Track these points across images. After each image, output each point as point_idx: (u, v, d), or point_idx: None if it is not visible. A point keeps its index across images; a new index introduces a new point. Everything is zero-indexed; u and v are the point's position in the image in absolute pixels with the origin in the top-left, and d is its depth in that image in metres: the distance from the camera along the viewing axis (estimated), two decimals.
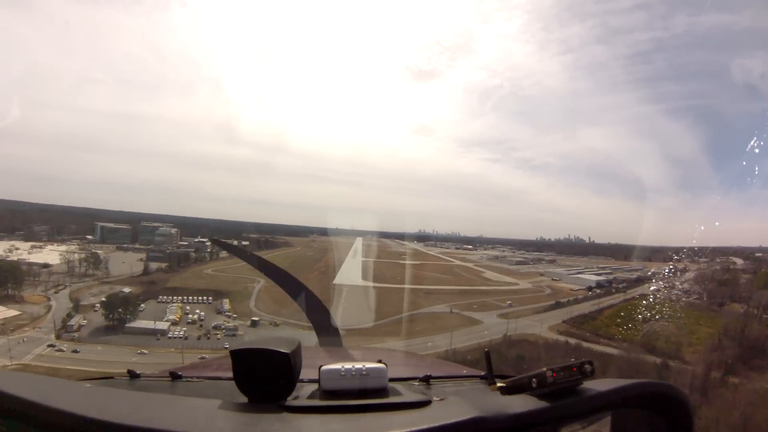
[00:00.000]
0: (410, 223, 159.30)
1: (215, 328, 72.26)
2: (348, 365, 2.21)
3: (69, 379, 2.64)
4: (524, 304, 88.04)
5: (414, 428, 1.67)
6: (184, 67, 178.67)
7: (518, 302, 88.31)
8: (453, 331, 69.41)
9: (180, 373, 2.75)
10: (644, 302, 72.54)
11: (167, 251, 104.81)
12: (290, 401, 2.02)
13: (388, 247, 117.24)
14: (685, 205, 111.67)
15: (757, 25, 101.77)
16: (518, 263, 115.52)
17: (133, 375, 2.68)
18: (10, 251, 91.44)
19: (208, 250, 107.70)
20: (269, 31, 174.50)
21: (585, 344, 68.79)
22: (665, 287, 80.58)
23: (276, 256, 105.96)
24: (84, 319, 72.16)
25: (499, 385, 2.35)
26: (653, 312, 69.82)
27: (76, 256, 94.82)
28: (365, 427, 1.81)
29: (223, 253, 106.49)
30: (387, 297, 71.86)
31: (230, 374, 2.02)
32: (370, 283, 74.15)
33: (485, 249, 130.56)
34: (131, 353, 60.70)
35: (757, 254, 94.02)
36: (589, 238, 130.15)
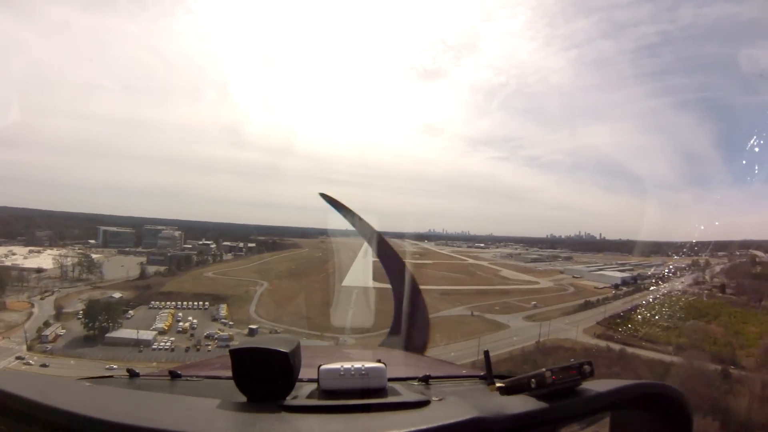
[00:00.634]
0: (419, 223, 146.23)
1: (207, 337, 62.34)
2: (347, 365, 2.11)
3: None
4: (550, 304, 79.20)
5: (413, 428, 1.62)
6: (189, 72, 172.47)
7: (543, 302, 79.78)
8: (477, 337, 58.11)
9: (179, 372, 2.65)
10: (677, 300, 65.98)
11: (168, 254, 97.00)
12: (289, 401, 1.95)
13: (399, 247, 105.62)
14: (696, 199, 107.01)
15: (764, 15, 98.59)
16: (533, 261, 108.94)
17: (132, 374, 2.59)
18: (6, 256, 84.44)
19: (212, 252, 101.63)
20: (274, 34, 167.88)
21: (629, 350, 59.56)
22: (695, 283, 78.86)
23: (284, 258, 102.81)
24: (63, 328, 63.11)
25: (498, 385, 2.22)
26: (691, 311, 67.32)
27: (69, 260, 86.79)
28: (364, 426, 1.77)
29: (228, 256, 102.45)
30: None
31: (229, 373, 1.95)
32: (383, 284, 65.05)
33: (497, 247, 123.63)
34: (103, 369, 49.45)
35: None
36: (600, 234, 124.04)
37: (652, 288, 78.58)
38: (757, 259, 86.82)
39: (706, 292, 77.83)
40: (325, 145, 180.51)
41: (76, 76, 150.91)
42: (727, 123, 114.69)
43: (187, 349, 59.77)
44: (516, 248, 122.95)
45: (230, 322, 67.63)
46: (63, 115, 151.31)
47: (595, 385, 1.96)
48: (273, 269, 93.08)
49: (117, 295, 74.87)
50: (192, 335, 63.27)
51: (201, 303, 73.69)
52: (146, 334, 61.14)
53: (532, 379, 1.94)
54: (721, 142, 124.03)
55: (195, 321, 67.14)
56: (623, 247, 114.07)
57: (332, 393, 2.03)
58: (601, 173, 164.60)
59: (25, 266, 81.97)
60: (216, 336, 61.88)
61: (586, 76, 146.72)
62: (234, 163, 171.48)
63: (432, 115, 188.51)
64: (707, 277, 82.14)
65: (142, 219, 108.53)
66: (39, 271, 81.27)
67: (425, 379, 2.52)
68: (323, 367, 2.13)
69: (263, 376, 1.91)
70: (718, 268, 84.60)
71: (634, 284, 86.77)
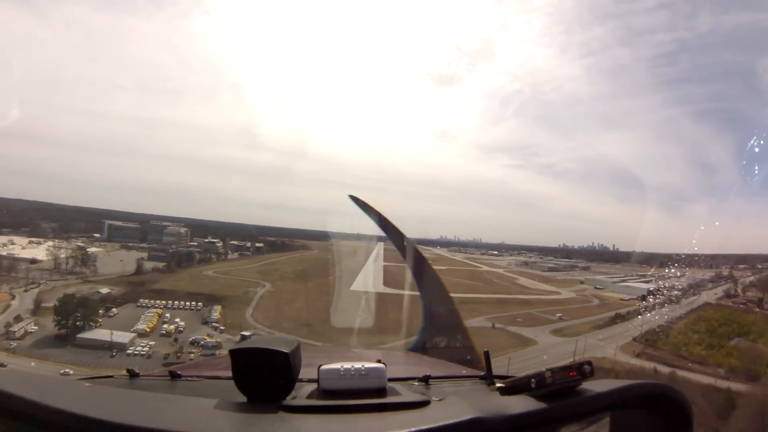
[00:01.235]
0: (432, 229, 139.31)
1: (192, 343, 53.35)
2: (347, 365, 2.08)
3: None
4: (575, 317, 70.56)
5: (413, 428, 1.59)
6: (206, 74, 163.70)
7: (568, 314, 71.09)
8: (504, 353, 48.80)
9: (179, 373, 2.59)
10: (713, 314, 65.04)
11: (170, 250, 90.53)
12: (289, 401, 1.91)
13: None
14: (713, 210, 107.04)
15: None
16: (550, 270, 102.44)
17: (132, 374, 2.52)
18: (4, 245, 78.49)
19: (218, 250, 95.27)
20: (290, 37, 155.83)
21: (680, 373, 49.70)
22: (726, 296, 73.52)
23: (291, 259, 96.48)
24: (36, 324, 54.78)
25: (498, 385, 2.19)
26: (732, 327, 61.61)
27: (63, 252, 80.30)
28: (364, 427, 1.75)
29: (232, 255, 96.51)
30: (415, 306, 53.66)
31: (229, 374, 1.91)
32: (394, 290, 61.20)
33: (510, 255, 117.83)
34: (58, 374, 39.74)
35: None
36: (614, 245, 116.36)
37: (683, 301, 72.23)
38: None
39: (741, 306, 70.75)
40: (340, 148, 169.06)
41: (94, 75, 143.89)
42: (744, 133, 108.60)
43: (166, 356, 50.92)
44: (530, 256, 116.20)
45: (221, 327, 58.80)
46: (80, 113, 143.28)
47: (595, 385, 1.90)
48: (278, 270, 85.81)
49: (105, 290, 66.93)
50: (176, 340, 54.36)
51: (194, 303, 65.14)
52: (123, 337, 52.40)
53: (532, 380, 1.89)
54: (738, 153, 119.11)
55: (182, 323, 58.48)
56: (638, 258, 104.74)
57: (332, 393, 1.98)
58: (616, 183, 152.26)
59: (20, 256, 75.96)
60: (202, 342, 52.93)
61: (602, 84, 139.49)
62: (248, 165, 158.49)
63: (446, 121, 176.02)
64: (739, 291, 75.59)
65: (155, 216, 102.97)
66: (33, 262, 75.06)
67: (425, 379, 2.44)
68: (323, 367, 2.06)
69: (263, 376, 1.85)
70: (746, 281, 78.62)
71: (662, 296, 75.42)
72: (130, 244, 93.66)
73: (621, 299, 78.02)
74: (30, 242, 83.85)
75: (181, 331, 56.30)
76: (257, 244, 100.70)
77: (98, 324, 55.20)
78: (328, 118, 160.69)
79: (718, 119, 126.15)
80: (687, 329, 63.37)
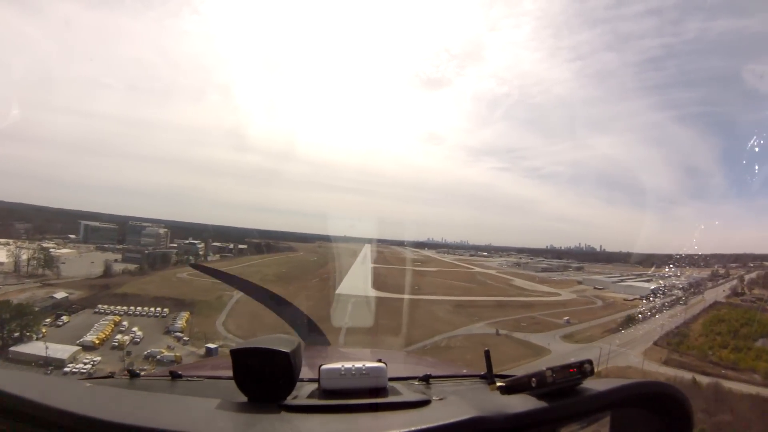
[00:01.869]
0: (419, 231, 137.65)
1: (147, 358, 43.28)
2: (348, 365, 2.03)
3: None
4: (583, 320, 63.53)
5: (413, 428, 1.56)
6: (194, 74, 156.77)
7: (575, 317, 63.86)
8: (517, 365, 38.74)
9: (180, 373, 2.51)
10: (728, 313, 60.72)
11: (146, 252, 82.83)
12: (290, 401, 1.87)
13: (399, 254, 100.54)
14: (699, 212, 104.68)
15: None
16: (544, 270, 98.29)
17: (133, 374, 2.47)
18: None
19: (200, 252, 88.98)
20: (279, 39, 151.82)
21: (726, 384, 42.95)
22: (734, 294, 69.95)
23: (275, 260, 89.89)
24: None
25: (498, 384, 2.13)
26: (755, 326, 56.52)
27: (24, 254, 70.89)
28: (365, 426, 1.71)
29: (213, 256, 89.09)
30: (409, 312, 49.38)
31: (230, 373, 1.86)
32: (384, 293, 55.63)
33: (500, 256, 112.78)
34: None
35: None
36: (601, 246, 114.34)
37: (690, 300, 69.53)
38: None
39: (752, 304, 66.01)
40: (328, 151, 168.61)
41: (81, 73, 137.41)
42: (729, 137, 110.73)
43: (110, 376, 39.45)
44: (520, 257, 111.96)
45: (185, 337, 49.67)
46: (66, 113, 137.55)
47: (596, 384, 1.86)
48: (259, 272, 76.45)
49: (60, 295, 57.59)
50: (128, 353, 44.82)
51: (160, 309, 56.20)
52: (63, 351, 42.75)
53: (533, 379, 1.84)
54: (723, 157, 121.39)
55: (140, 333, 49.24)
56: (628, 258, 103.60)
57: (333, 393, 1.94)
58: (602, 185, 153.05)
59: None
60: (159, 356, 43.47)
61: (589, 88, 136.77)
62: (236, 166, 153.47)
63: (434, 124, 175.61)
64: (746, 289, 71.76)
65: (140, 219, 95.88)
66: None
67: (426, 379, 2.37)
68: (324, 366, 2.01)
69: (264, 376, 1.80)
70: (746, 278, 75.81)
71: (667, 296, 71.86)
72: (106, 246, 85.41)
73: (625, 299, 72.29)
74: None
75: (137, 342, 47.18)
76: (240, 246, 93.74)
77: (42, 335, 45.97)
78: (317, 121, 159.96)
79: (703, 123, 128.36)
80: (706, 330, 58.22)
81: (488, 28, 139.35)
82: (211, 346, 44.29)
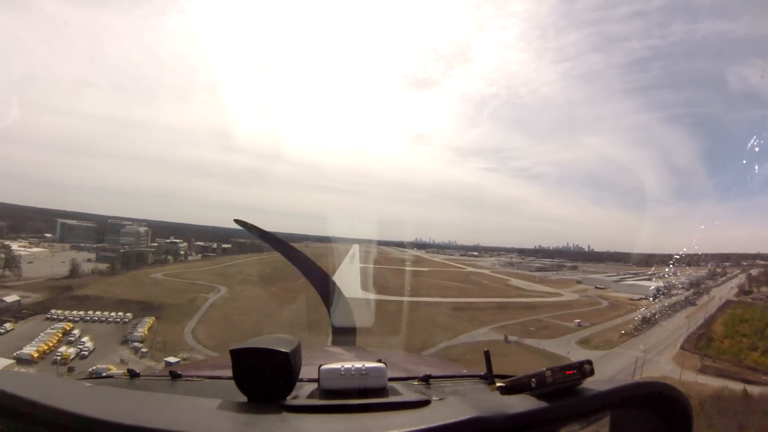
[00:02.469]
0: (407, 231, 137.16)
1: (91, 375, 31.73)
2: (348, 365, 1.99)
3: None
4: (595, 322, 58.33)
5: (413, 428, 1.54)
6: (181, 73, 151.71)
7: (585, 319, 58.43)
8: None
9: (180, 373, 2.44)
10: (745, 312, 57.03)
11: (121, 251, 75.98)
12: (290, 401, 1.83)
13: (389, 254, 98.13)
14: (684, 212, 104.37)
15: (754, 32, 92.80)
16: (538, 270, 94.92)
17: (132, 374, 2.37)
18: None
19: (182, 251, 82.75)
20: (267, 39, 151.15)
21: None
22: (742, 292, 66.50)
23: (258, 260, 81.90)
24: None
25: (498, 385, 2.09)
26: None
27: None
28: (365, 426, 1.67)
29: (195, 256, 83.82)
30: (404, 317, 42.09)
31: (230, 373, 1.82)
32: (376, 296, 46.24)
33: (491, 256, 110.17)
34: None
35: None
36: (588, 246, 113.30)
37: (700, 300, 66.20)
38: None
39: (766, 302, 62.49)
40: (315, 151, 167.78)
41: (67, 72, 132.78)
42: (714, 138, 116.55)
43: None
44: (512, 257, 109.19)
45: (144, 349, 41.79)
46: (51, 112, 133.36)
47: (595, 385, 1.81)
48: (240, 272, 72.32)
49: (12, 298, 49.73)
50: (70, 369, 36.75)
51: (122, 314, 48.42)
52: None
53: (533, 379, 1.80)
54: (709, 157, 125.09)
55: (90, 344, 41.35)
56: (618, 257, 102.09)
57: (333, 393, 1.89)
58: (589, 185, 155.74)
59: None
60: (105, 373, 33.41)
61: (576, 89, 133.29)
62: (223, 167, 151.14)
63: (422, 125, 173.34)
64: (753, 287, 68.55)
65: (125, 219, 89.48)
66: None
67: (425, 379, 2.29)
68: (324, 366, 1.97)
69: (264, 376, 1.75)
70: (745, 277, 73.74)
71: (674, 295, 68.65)
72: (83, 245, 78.90)
73: (630, 299, 68.23)
74: None
75: (85, 356, 39.39)
76: (224, 245, 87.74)
77: None
78: (304, 121, 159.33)
79: (689, 124, 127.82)
80: (730, 332, 53.64)
81: (476, 28, 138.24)
82: (171, 359, 36.38)
